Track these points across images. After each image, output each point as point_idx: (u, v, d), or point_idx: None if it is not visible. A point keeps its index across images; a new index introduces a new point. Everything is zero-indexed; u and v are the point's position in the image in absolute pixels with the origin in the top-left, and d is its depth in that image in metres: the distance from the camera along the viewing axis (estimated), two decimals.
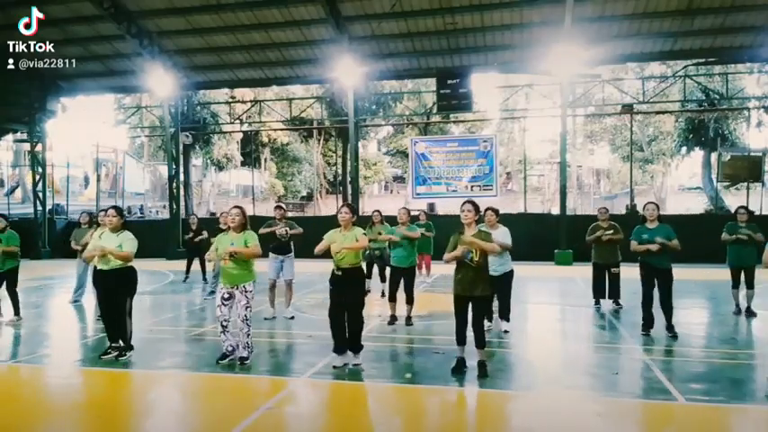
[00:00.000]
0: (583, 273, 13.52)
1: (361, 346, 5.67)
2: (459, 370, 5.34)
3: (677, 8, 15.45)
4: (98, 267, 5.90)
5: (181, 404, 5.05)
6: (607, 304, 8.95)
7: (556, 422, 4.35)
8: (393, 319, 7.74)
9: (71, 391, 5.22)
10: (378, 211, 9.97)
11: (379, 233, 8.87)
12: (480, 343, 5.31)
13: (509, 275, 7.19)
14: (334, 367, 5.54)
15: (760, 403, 4.70)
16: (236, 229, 5.68)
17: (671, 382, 5.05)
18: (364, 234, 5.71)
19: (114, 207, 6.10)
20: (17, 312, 8.15)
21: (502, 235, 6.78)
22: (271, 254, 8.18)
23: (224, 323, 5.67)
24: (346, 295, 5.56)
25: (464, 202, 5.43)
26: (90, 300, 8.87)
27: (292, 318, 8.22)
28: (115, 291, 5.88)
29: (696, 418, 4.45)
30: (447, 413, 4.67)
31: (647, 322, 6.99)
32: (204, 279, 12.36)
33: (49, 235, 21.23)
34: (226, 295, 5.66)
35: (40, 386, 5.61)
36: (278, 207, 8.57)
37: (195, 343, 7.09)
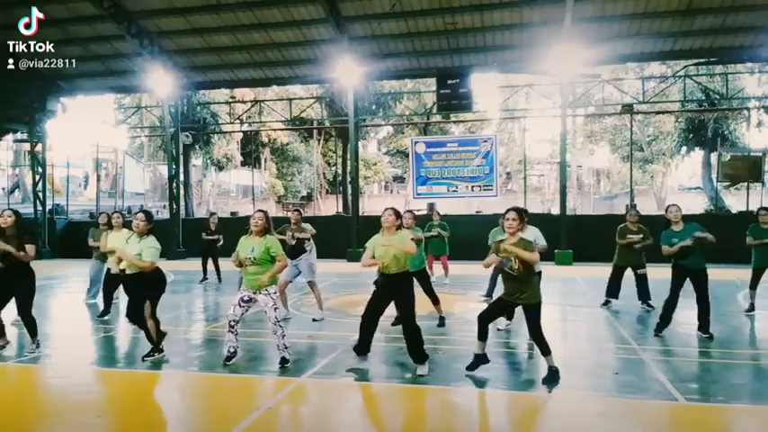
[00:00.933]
0: (583, 273, 13.54)
1: (426, 356, 5.39)
2: (474, 366, 5.25)
3: (677, 8, 15.44)
4: (126, 271, 5.99)
5: (181, 404, 5.06)
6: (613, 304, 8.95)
7: (556, 422, 4.36)
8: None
9: (72, 392, 5.22)
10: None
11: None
12: (544, 351, 5.06)
13: (537, 277, 6.93)
14: (348, 370, 5.48)
15: (760, 403, 4.71)
16: (258, 233, 5.65)
17: (671, 382, 5.05)
18: (412, 239, 5.38)
19: (144, 211, 6.12)
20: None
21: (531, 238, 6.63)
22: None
23: (232, 323, 5.67)
24: (395, 303, 5.34)
25: (508, 210, 5.08)
26: (101, 300, 8.88)
27: (321, 320, 7.96)
28: (140, 294, 5.96)
29: (696, 418, 4.45)
30: (448, 413, 4.67)
31: (664, 323, 6.85)
32: (219, 279, 12.51)
33: (49, 235, 21.22)
34: (246, 297, 5.67)
35: (41, 386, 5.61)
36: (296, 210, 8.44)
37: (196, 343, 7.10)
